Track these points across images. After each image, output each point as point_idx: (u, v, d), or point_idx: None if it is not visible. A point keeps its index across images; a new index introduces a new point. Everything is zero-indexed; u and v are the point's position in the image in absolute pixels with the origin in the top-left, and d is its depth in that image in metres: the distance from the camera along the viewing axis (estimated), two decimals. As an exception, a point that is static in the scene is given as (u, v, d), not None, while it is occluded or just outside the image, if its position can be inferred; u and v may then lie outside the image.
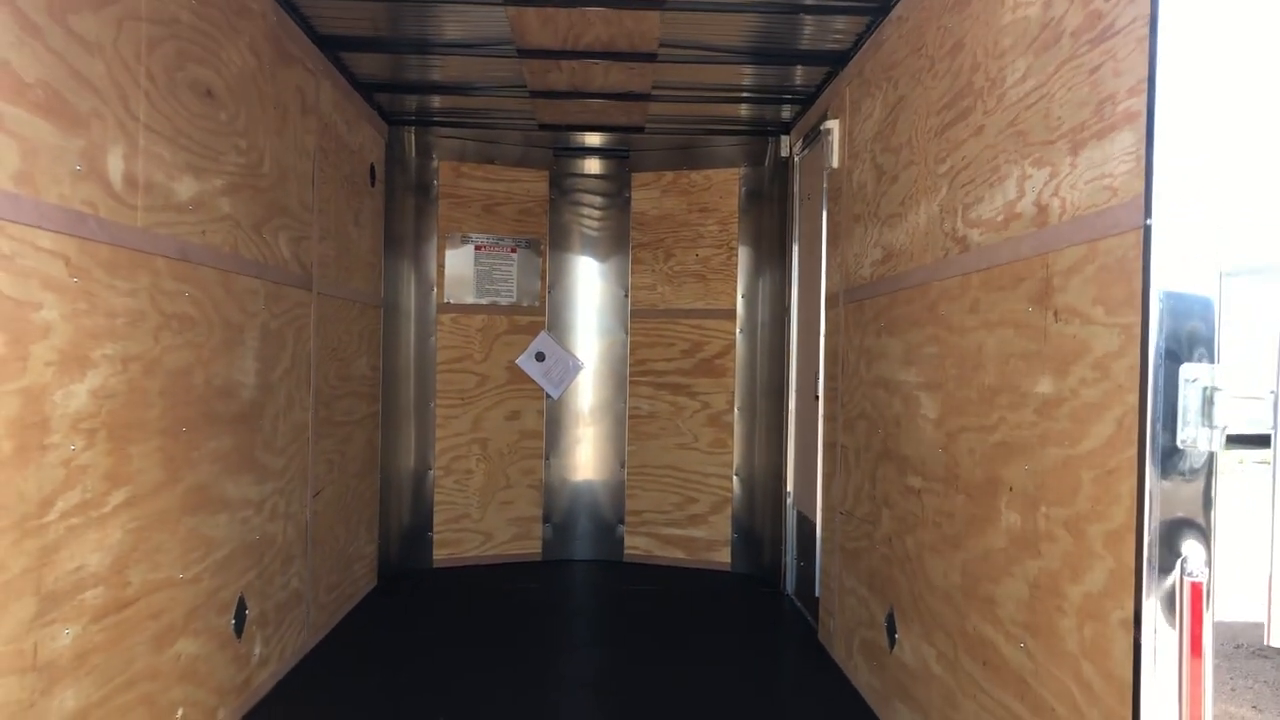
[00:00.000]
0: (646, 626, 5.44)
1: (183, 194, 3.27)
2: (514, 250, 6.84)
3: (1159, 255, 1.98)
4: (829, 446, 4.98)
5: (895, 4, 4.04)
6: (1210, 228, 1.95)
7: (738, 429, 6.68)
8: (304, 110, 4.53)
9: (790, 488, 6.06)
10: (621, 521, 6.94)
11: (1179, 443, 1.95)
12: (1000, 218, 2.92)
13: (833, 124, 4.93)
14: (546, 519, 6.92)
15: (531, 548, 6.88)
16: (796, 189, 6.05)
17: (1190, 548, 1.95)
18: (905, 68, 3.88)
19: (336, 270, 5.10)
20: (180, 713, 3.32)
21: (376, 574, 6.09)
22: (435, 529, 6.60)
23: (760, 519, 6.55)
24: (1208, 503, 1.97)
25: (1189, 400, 1.94)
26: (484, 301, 6.77)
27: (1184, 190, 1.98)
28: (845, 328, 4.69)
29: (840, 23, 4.44)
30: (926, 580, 3.47)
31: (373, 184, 5.89)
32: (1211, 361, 1.95)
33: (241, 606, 3.85)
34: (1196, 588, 1.92)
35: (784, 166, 6.34)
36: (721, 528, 6.74)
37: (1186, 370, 1.95)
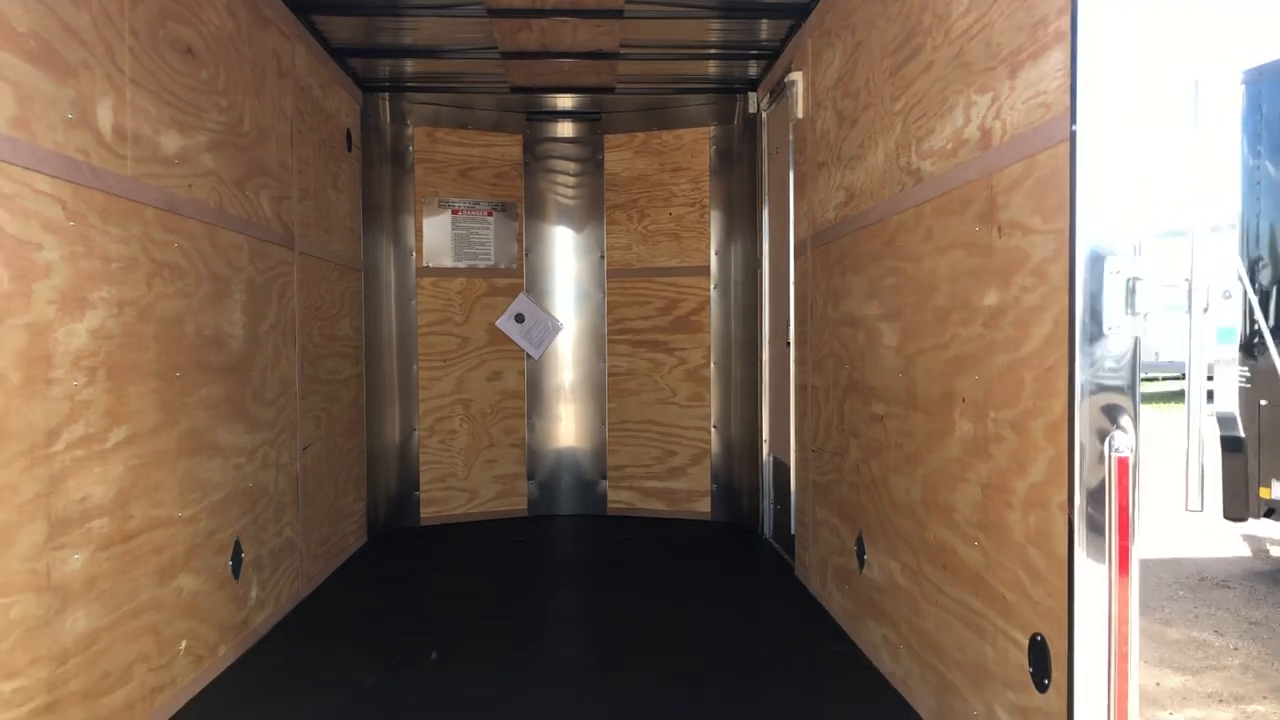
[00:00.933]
0: (630, 571, 5.63)
1: (169, 148, 3.39)
2: (490, 214, 6.97)
3: (1084, 157, 2.15)
4: (800, 389, 5.16)
5: (852, -46, 4.18)
6: (1128, 127, 2.12)
7: (714, 382, 6.85)
8: (280, 73, 4.64)
9: (766, 435, 6.25)
10: (604, 477, 7.11)
11: (1105, 329, 2.12)
12: (949, 146, 3.08)
13: (796, 75, 5.08)
14: (530, 476, 7.08)
15: (517, 504, 7.04)
16: (765, 144, 6.20)
17: (1117, 426, 2.13)
18: (862, 14, 4.03)
19: (317, 231, 5.22)
20: (184, 644, 3.47)
21: (366, 532, 6.24)
22: (421, 488, 6.76)
23: (738, 468, 6.74)
24: (1133, 385, 2.15)
25: (1113, 290, 2.12)
26: (462, 265, 6.90)
27: (1104, 95, 2.15)
28: (813, 272, 4.86)
29: (801, -25, 4.59)
30: (891, 499, 3.66)
31: (349, 149, 6.00)
32: (1134, 254, 2.13)
33: (238, 549, 3.99)
34: (1123, 462, 2.10)
35: (752, 123, 6.49)
36: (701, 479, 6.92)
37: (1111, 263, 2.13)
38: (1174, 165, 2.10)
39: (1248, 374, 7.54)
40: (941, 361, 3.15)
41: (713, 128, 6.80)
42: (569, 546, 6.40)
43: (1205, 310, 1.99)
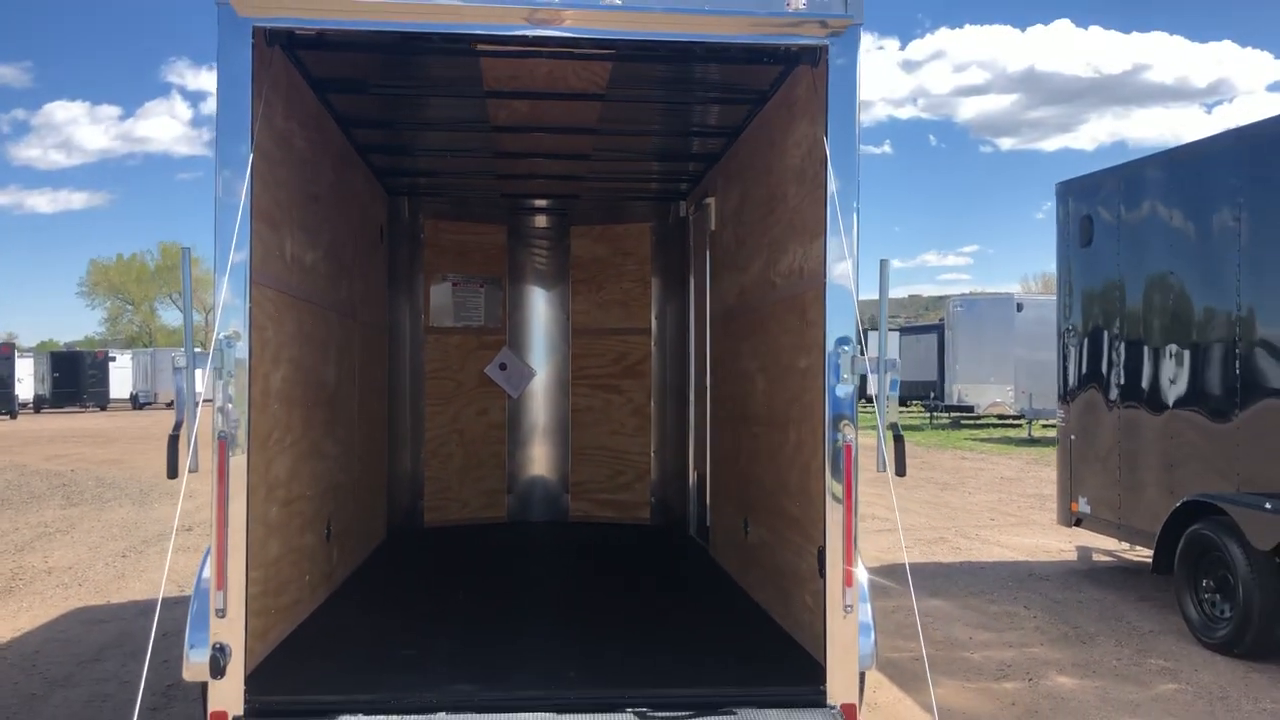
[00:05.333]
0: (588, 559, 7.64)
1: (307, 261, 5.40)
2: (482, 286, 9.01)
3: (829, 296, 4.25)
4: (714, 420, 7.24)
5: (743, 131, 6.34)
6: (848, 282, 4.24)
7: (653, 417, 8.93)
8: (351, 197, 6.67)
9: (691, 456, 8.31)
10: (567, 490, 9.12)
11: (840, 379, 4.21)
12: (788, 272, 5.21)
13: (710, 200, 7.23)
14: (509, 490, 9.07)
15: (498, 512, 9.02)
16: (691, 241, 8.34)
17: (845, 431, 4.21)
18: (747, 174, 6.18)
19: (366, 305, 7.22)
20: (307, 578, 5.42)
21: (385, 530, 8.16)
22: (425, 499, 8.70)
23: (671, 484, 8.80)
24: (853, 407, 4.23)
25: (844, 360, 4.21)
26: (459, 325, 8.91)
27: (837, 267, 4.27)
28: (721, 338, 6.97)
29: (713, 141, 6.76)
30: (762, 487, 5.74)
31: (381, 240, 8.02)
32: (854, 343, 4.23)
33: (329, 524, 5.94)
34: (848, 447, 4.18)
35: (682, 223, 8.63)
36: (642, 492, 8.96)
37: (843, 347, 4.22)
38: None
39: (1063, 416, 9.79)
40: (784, 398, 5.25)
41: (652, 223, 8.94)
42: (540, 544, 8.39)
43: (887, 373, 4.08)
